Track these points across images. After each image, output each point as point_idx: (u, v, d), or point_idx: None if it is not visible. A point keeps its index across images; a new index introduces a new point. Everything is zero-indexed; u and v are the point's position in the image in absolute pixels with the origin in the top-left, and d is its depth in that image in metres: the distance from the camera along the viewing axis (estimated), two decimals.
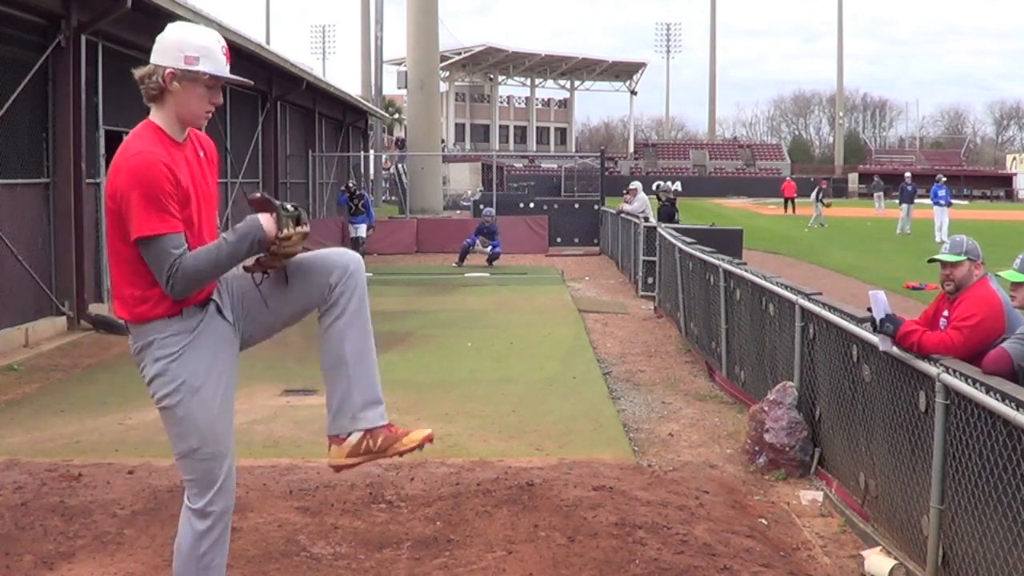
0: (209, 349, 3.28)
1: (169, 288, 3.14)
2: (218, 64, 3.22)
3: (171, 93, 3.19)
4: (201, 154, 3.36)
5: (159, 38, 3.23)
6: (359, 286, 3.44)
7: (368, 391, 3.50)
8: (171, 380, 3.24)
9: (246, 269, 3.40)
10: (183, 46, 3.18)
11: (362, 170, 33.65)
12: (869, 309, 5.03)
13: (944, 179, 30.31)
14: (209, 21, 14.12)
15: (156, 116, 3.25)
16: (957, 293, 4.97)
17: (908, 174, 34.93)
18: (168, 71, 3.17)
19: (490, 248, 20.89)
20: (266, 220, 3.24)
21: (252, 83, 4.05)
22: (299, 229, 3.26)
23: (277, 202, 3.28)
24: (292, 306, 3.45)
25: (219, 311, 3.33)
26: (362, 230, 20.91)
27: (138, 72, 3.23)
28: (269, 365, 9.76)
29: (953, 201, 29.20)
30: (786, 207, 44.43)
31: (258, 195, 3.33)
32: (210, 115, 3.32)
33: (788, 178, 53.92)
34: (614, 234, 20.75)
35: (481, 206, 26.43)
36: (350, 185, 22.42)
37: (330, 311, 3.43)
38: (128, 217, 3.11)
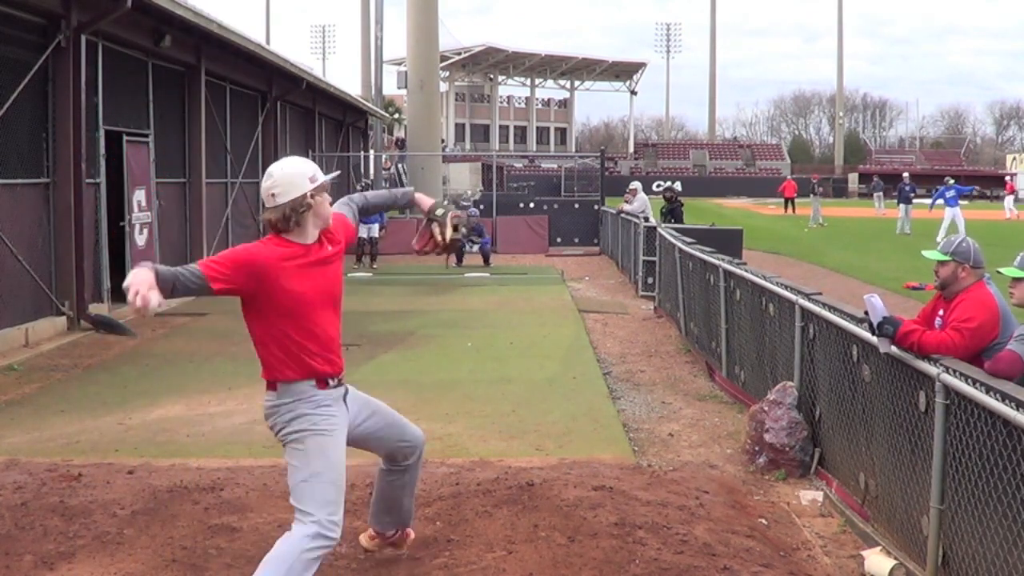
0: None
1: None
2: (320, 173, 3.93)
3: (311, 210, 3.85)
4: (329, 248, 3.99)
5: (281, 180, 3.83)
6: (421, 458, 4.47)
7: (407, 516, 4.60)
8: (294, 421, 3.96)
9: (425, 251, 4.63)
10: (304, 172, 3.88)
11: (362, 170, 33.63)
12: (866, 313, 5.04)
13: (952, 180, 30.15)
14: (209, 21, 14.14)
15: (294, 234, 3.87)
16: (946, 291, 5.05)
17: (906, 174, 34.94)
18: (309, 193, 3.83)
19: (479, 247, 20.85)
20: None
21: (339, 173, 5.21)
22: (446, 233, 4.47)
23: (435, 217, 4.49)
24: (368, 443, 4.28)
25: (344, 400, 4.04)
26: (375, 230, 20.84)
27: (279, 213, 3.80)
28: None
29: (939, 201, 29.13)
30: (786, 207, 44.35)
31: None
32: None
33: (788, 178, 53.82)
34: (614, 234, 20.76)
35: (463, 203, 26.41)
36: (364, 185, 22.40)
37: (396, 471, 4.39)
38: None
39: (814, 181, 37.12)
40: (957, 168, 69.79)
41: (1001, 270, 4.98)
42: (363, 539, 4.61)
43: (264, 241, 3.88)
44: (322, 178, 3.91)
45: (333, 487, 3.83)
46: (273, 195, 3.81)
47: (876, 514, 5.25)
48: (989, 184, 69.83)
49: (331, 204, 4.08)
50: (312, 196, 3.84)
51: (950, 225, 25.78)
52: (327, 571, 4.47)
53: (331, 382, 3.91)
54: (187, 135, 16.32)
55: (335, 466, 3.86)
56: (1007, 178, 35.78)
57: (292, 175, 3.84)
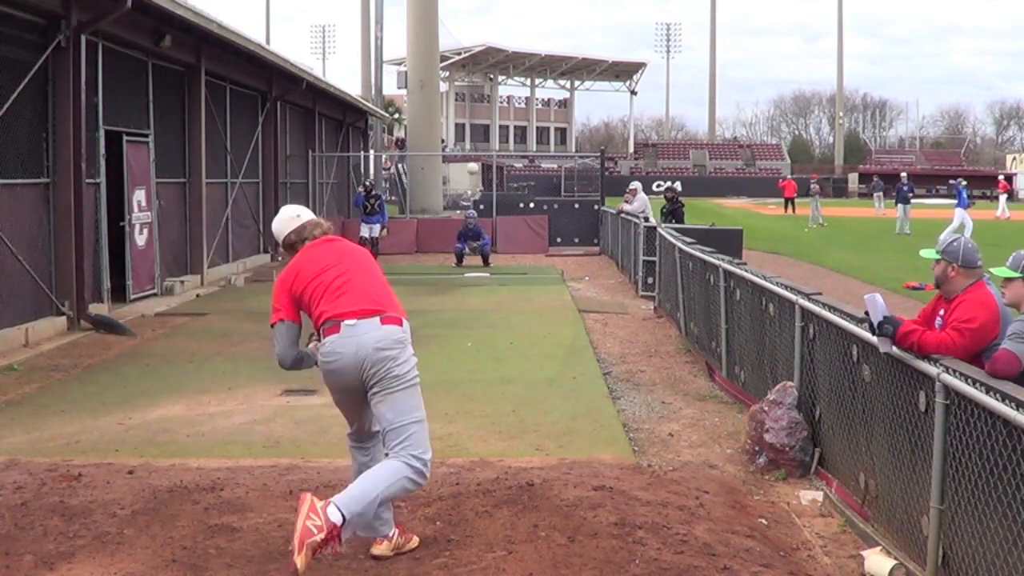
0: None
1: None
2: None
3: None
4: None
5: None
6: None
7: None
8: (416, 363, 4.56)
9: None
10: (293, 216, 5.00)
11: (362, 170, 33.63)
12: (866, 313, 5.04)
13: (964, 182, 29.96)
14: (209, 21, 14.14)
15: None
16: (942, 291, 5.08)
17: (904, 175, 34.98)
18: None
19: (480, 245, 20.85)
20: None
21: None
22: None
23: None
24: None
25: None
26: (376, 230, 20.89)
27: (295, 237, 4.97)
28: (269, 365, 9.74)
29: (946, 201, 29.16)
30: (786, 207, 44.37)
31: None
32: None
33: (788, 177, 53.82)
34: (614, 234, 20.76)
35: (463, 203, 26.44)
36: (368, 185, 22.39)
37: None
38: None
39: (812, 181, 37.24)
40: (957, 168, 69.80)
41: (993, 270, 5.03)
42: (373, 549, 4.66)
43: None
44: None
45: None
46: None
47: (876, 514, 5.25)
48: (989, 184, 69.90)
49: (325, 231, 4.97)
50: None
51: (958, 227, 25.70)
52: (327, 571, 4.47)
53: None
54: (187, 135, 16.33)
55: None
56: (1000, 176, 35.72)
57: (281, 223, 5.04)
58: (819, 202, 35.73)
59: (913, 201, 30.89)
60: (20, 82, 10.75)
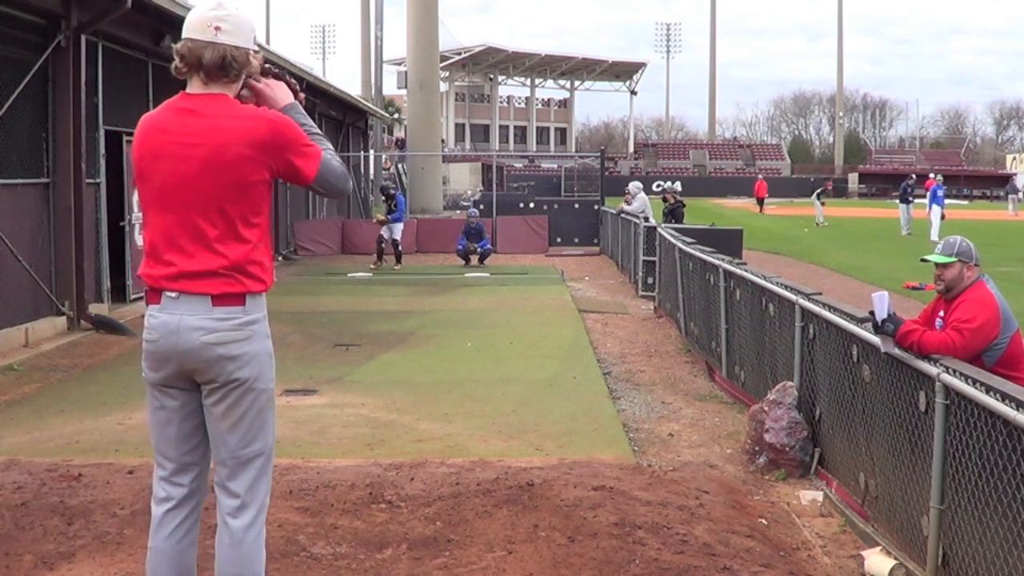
0: None
1: (349, 181, 3.32)
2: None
3: (241, 76, 3.24)
4: None
5: (229, 18, 3.19)
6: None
7: None
8: (273, 363, 3.28)
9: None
10: (254, 27, 3.26)
11: (362, 170, 33.62)
12: (871, 312, 5.03)
13: (940, 178, 30.38)
14: None
15: (226, 91, 3.22)
16: (950, 293, 5.05)
17: (915, 176, 35.17)
18: (251, 52, 3.24)
19: (479, 247, 20.92)
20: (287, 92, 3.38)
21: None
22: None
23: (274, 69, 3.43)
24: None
25: None
26: (398, 231, 20.37)
27: (217, 54, 3.15)
28: None
29: (947, 201, 29.27)
30: (760, 207, 45.05)
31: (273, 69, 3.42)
32: None
33: (759, 178, 54.06)
34: (614, 234, 20.76)
35: (466, 204, 26.47)
36: (385, 185, 22.15)
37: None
38: (301, 152, 3.17)
39: (827, 188, 37.58)
40: (957, 168, 69.83)
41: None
42: None
43: (234, 100, 3.23)
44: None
45: None
46: (218, 28, 3.16)
47: (876, 514, 5.25)
48: (989, 184, 69.90)
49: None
50: (255, 56, 3.26)
51: (939, 225, 25.87)
52: (327, 571, 4.47)
53: None
54: None
55: None
56: (930, 175, 35.85)
57: (247, 23, 3.23)
58: (820, 201, 35.81)
59: (915, 201, 30.87)
60: (20, 82, 10.75)
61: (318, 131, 3.32)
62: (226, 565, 3.24)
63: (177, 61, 3.21)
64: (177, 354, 3.14)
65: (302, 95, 3.43)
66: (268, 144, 3.12)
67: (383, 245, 20.40)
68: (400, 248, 20.49)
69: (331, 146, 3.30)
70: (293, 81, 3.41)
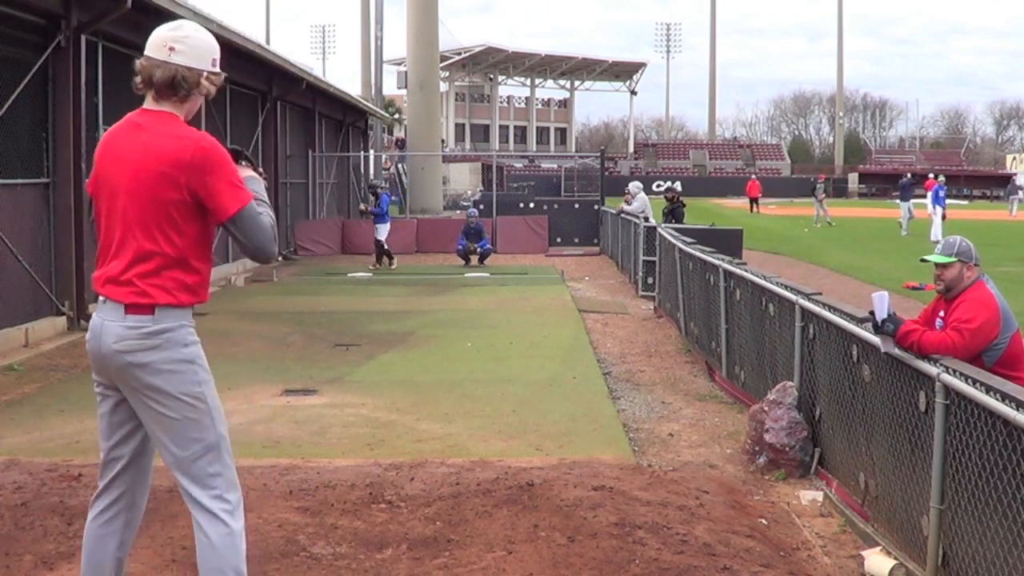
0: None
1: (273, 252, 3.34)
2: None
3: (194, 95, 3.34)
4: None
5: (185, 40, 3.32)
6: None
7: None
8: (202, 368, 3.34)
9: None
10: (212, 50, 3.36)
11: (362, 170, 33.63)
12: (871, 312, 5.03)
13: (942, 178, 30.37)
14: (209, 21, 14.11)
15: (175, 110, 3.33)
16: (950, 294, 5.05)
17: (929, 176, 35.23)
18: (205, 74, 3.33)
19: (479, 247, 20.92)
20: (252, 173, 3.47)
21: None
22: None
23: (243, 152, 3.52)
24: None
25: None
26: (382, 232, 20.12)
27: (164, 75, 3.28)
28: (269, 365, 9.77)
29: (949, 201, 29.24)
30: (751, 207, 45.17)
31: (234, 147, 3.51)
32: None
33: (752, 178, 54.16)
34: (614, 234, 20.76)
35: (466, 203, 26.47)
36: (371, 185, 22.05)
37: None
38: (221, 190, 3.21)
39: (819, 181, 37.91)
40: (957, 168, 69.81)
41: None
42: None
43: (177, 119, 3.31)
44: (222, 72, 3.42)
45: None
46: (172, 48, 3.27)
47: (876, 514, 5.25)
48: (989, 184, 69.90)
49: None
50: (207, 80, 3.34)
51: (937, 225, 25.84)
52: (327, 571, 4.47)
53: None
54: None
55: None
56: (930, 175, 35.94)
57: (203, 44, 3.34)
58: (823, 202, 35.88)
59: (915, 201, 30.87)
60: (20, 82, 10.75)
61: (266, 200, 3.40)
62: (203, 561, 3.36)
63: (135, 77, 3.35)
64: (99, 357, 3.31)
65: (264, 174, 3.55)
66: (188, 165, 3.20)
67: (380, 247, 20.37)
68: (387, 247, 20.18)
69: (273, 215, 3.37)
70: (255, 163, 3.55)
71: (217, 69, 3.36)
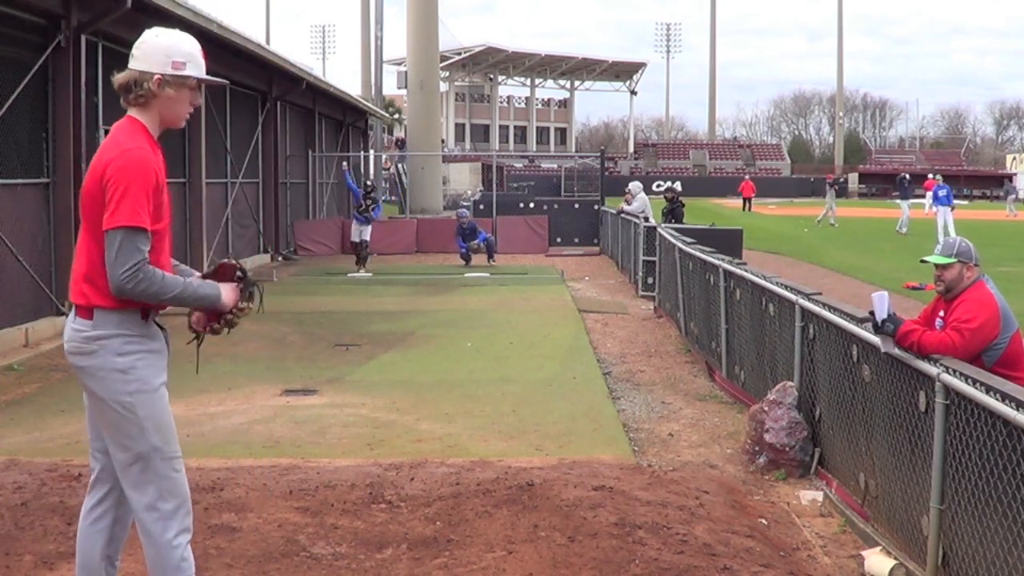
0: (161, 367, 3.48)
1: (120, 282, 3.17)
2: (201, 68, 3.41)
3: (157, 98, 3.34)
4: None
5: (142, 45, 3.37)
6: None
7: None
8: (137, 379, 3.33)
9: (191, 328, 3.66)
10: (170, 52, 3.34)
11: (362, 170, 33.63)
12: (871, 312, 5.03)
13: (940, 178, 30.37)
14: (209, 21, 14.13)
15: (140, 116, 3.37)
16: (949, 294, 5.05)
17: (906, 175, 35.19)
18: (156, 77, 3.31)
19: (479, 242, 20.84)
20: (228, 293, 3.46)
21: (227, 82, 4.33)
22: (251, 305, 3.53)
23: (248, 277, 3.53)
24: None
25: (167, 345, 3.54)
26: (367, 232, 19.42)
27: (121, 79, 3.35)
28: (269, 365, 9.77)
29: (954, 201, 29.14)
30: (745, 207, 45.26)
31: (229, 262, 3.54)
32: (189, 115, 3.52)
33: (746, 178, 54.20)
34: (614, 234, 20.76)
35: (466, 203, 26.46)
36: (368, 185, 21.59)
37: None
38: (110, 205, 3.19)
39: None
40: (957, 168, 69.81)
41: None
42: None
43: (129, 128, 3.33)
44: (195, 72, 3.36)
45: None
46: (132, 56, 3.34)
47: (876, 514, 5.25)
48: (989, 184, 69.91)
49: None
50: (162, 83, 3.30)
51: (944, 226, 25.74)
52: (327, 571, 4.47)
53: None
54: (187, 135, 16.32)
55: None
56: (930, 175, 36.02)
57: (157, 47, 3.33)
58: (834, 201, 35.96)
59: (912, 200, 30.86)
60: (20, 82, 10.75)
61: (189, 296, 3.41)
62: (148, 564, 3.45)
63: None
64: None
65: (248, 303, 3.58)
66: (103, 174, 3.23)
67: (365, 248, 19.47)
68: (367, 249, 19.46)
69: (177, 293, 3.34)
70: (248, 284, 3.56)
71: (184, 72, 3.34)
